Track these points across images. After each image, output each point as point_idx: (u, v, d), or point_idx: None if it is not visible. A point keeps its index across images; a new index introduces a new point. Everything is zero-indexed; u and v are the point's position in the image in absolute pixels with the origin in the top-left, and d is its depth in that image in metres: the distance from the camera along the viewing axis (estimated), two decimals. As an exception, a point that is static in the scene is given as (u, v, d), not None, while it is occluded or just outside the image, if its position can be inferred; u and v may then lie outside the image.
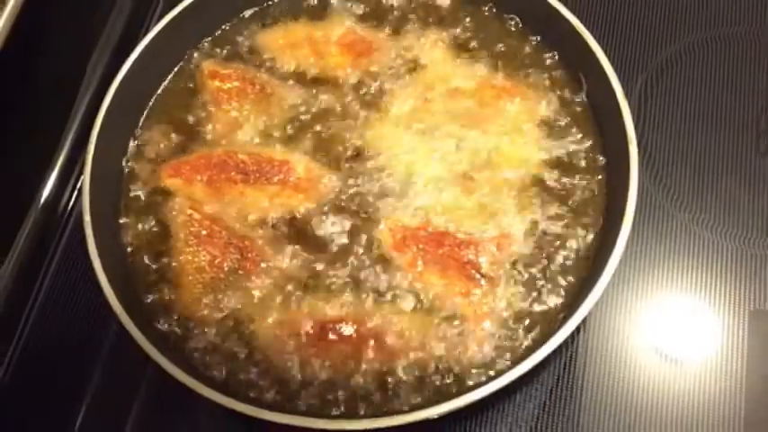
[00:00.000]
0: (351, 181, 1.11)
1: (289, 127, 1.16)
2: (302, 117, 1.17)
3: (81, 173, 1.13)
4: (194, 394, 0.91)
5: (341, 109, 1.17)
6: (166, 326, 1.03)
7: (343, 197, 1.10)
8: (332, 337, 0.99)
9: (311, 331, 1.00)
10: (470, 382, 0.97)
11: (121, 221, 1.11)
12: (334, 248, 1.07)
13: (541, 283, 1.03)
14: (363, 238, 1.07)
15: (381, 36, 1.22)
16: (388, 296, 1.02)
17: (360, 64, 1.19)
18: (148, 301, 1.05)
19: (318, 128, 1.16)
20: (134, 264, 1.08)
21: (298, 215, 1.09)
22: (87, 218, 1.03)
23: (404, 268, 1.04)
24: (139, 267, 1.08)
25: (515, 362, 0.94)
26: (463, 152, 1.11)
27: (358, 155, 1.13)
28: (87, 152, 1.08)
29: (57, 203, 1.27)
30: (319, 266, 1.05)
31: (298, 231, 1.08)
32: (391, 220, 1.07)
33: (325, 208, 1.09)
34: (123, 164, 1.16)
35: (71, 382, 1.14)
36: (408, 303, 1.02)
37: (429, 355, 0.99)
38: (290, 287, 1.04)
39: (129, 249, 1.09)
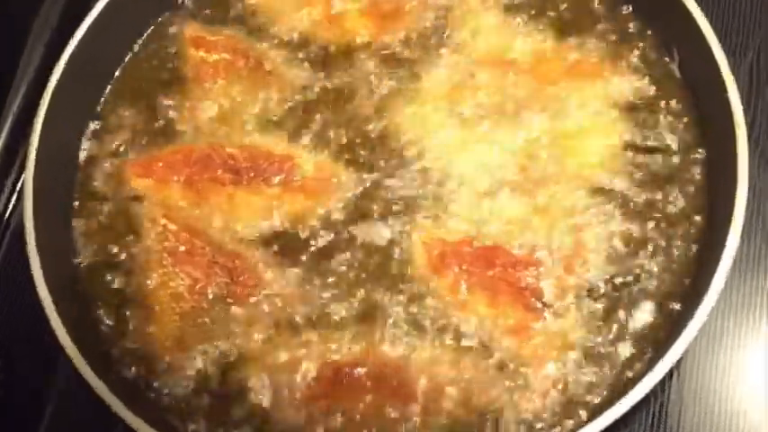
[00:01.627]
0: (373, 181, 1.02)
1: (293, 112, 1.07)
2: (310, 99, 1.08)
3: (22, 168, 1.05)
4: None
5: (360, 89, 1.07)
6: (133, 369, 0.94)
7: (363, 202, 1.00)
8: (347, 383, 0.90)
9: (321, 376, 0.91)
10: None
11: (75, 233, 1.02)
12: (351, 270, 0.97)
13: (621, 314, 0.92)
14: (389, 255, 0.97)
15: None
16: (421, 331, 0.93)
17: (386, 30, 1.09)
18: (110, 337, 0.96)
19: (331, 113, 1.07)
20: (91, 288, 0.99)
21: (303, 226, 0.99)
22: (30, 226, 0.93)
23: (442, 294, 0.94)
24: (98, 293, 0.99)
25: (589, 418, 0.87)
26: (518, 144, 1.01)
27: (382, 148, 1.03)
28: (30, 141, 0.99)
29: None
30: (330, 293, 0.96)
31: (302, 247, 0.98)
32: (426, 232, 0.97)
33: (339, 217, 1.00)
34: (78, 157, 1.07)
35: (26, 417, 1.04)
36: (448, 341, 0.92)
37: (475, 409, 0.89)
38: (292, 320, 0.95)
39: (84, 269, 1.00)
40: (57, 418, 1.05)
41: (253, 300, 0.95)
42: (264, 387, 0.92)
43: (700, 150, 1.00)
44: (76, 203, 1.04)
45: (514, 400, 0.89)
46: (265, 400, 0.91)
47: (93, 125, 1.09)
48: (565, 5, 1.10)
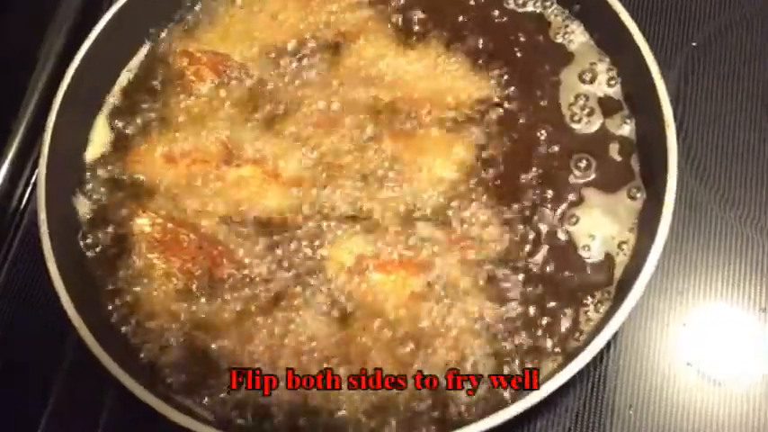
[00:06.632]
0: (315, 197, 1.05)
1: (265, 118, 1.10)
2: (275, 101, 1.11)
3: (35, 166, 1.10)
4: (161, 415, 0.88)
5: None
6: (131, 340, 0.99)
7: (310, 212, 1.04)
8: (312, 352, 0.95)
9: (291, 345, 0.96)
10: (482, 409, 0.91)
11: (81, 220, 1.06)
12: (316, 257, 1.01)
13: (565, 295, 0.97)
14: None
15: None
16: (367, 311, 0.97)
17: None
18: (111, 311, 1.01)
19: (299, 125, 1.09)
20: (95, 270, 1.04)
21: (275, 216, 1.03)
22: (43, 216, 0.99)
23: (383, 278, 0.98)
24: (101, 274, 1.03)
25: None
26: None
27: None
28: (43, 142, 1.04)
29: (7, 202, 1.22)
30: (299, 275, 1.00)
31: (274, 234, 1.03)
32: (352, 244, 1.01)
33: (299, 217, 1.04)
34: (83, 154, 1.11)
35: (29, 399, 1.10)
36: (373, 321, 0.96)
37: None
38: (267, 297, 0.99)
39: (88, 253, 1.05)
40: (69, 383, 1.09)
41: (231, 280, 0.99)
42: (241, 355, 0.95)
43: (634, 150, 1.04)
44: (82, 195, 1.07)
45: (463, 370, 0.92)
46: (242, 365, 0.94)
47: (99, 124, 1.12)
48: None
